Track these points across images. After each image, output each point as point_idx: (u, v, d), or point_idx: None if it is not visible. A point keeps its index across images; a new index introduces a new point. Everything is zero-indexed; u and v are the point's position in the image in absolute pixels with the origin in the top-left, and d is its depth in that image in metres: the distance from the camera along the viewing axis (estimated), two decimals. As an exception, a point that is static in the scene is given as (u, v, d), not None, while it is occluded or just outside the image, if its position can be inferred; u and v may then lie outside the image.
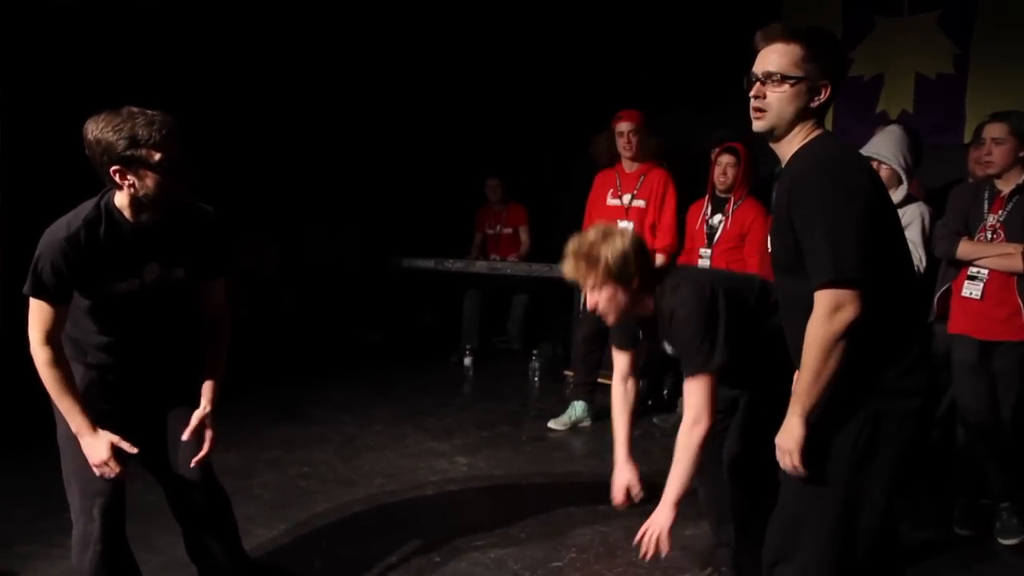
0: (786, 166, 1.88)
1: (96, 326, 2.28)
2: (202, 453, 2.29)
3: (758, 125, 1.89)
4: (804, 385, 1.77)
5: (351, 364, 5.95)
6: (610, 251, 2.29)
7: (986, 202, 3.23)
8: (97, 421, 2.20)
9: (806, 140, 1.86)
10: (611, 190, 4.56)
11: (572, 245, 2.36)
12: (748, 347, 2.37)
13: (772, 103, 1.85)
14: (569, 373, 5.29)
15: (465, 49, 6.56)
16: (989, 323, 3.17)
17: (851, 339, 1.72)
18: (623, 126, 4.44)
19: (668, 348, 2.46)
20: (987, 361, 3.20)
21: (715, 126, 4.89)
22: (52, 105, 4.48)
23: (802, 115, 1.85)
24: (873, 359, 1.78)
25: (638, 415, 2.69)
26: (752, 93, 1.87)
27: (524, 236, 6.42)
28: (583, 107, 5.82)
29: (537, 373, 5.65)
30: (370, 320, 6.77)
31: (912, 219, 3.49)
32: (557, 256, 6.49)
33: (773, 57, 1.85)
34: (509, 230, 6.49)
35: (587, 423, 4.62)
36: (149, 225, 2.20)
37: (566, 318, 5.86)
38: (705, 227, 4.39)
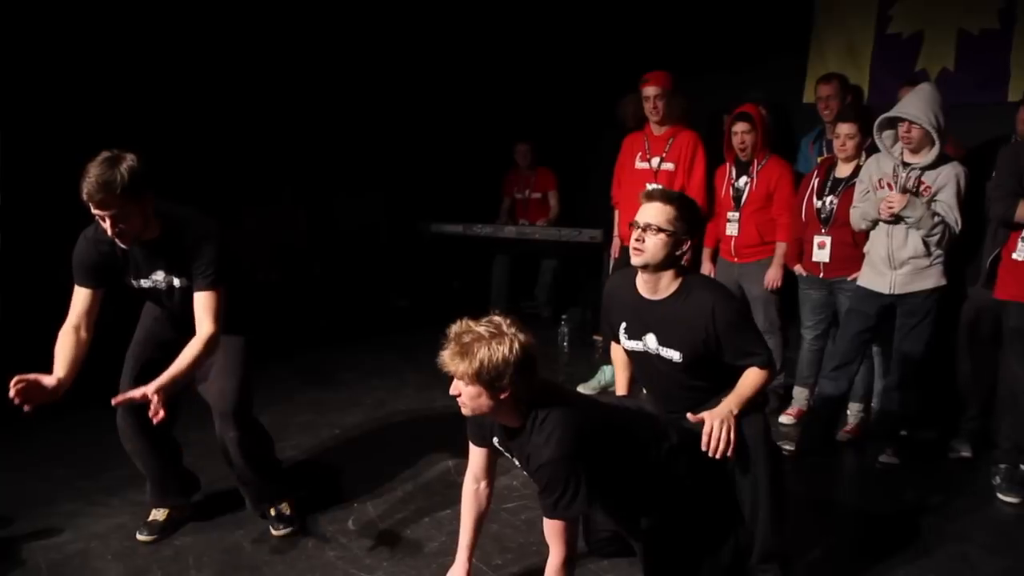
0: (686, 299, 2.48)
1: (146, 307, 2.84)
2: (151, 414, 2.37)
3: (636, 260, 2.48)
4: (743, 399, 2.42)
5: (380, 329, 6.00)
6: (488, 355, 2.08)
7: None
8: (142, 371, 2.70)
9: (682, 281, 2.50)
10: (639, 153, 4.49)
11: (456, 329, 2.16)
12: (632, 483, 2.38)
13: (649, 246, 2.44)
14: (598, 337, 5.28)
15: (496, 12, 6.48)
16: None
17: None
18: (649, 90, 4.35)
19: (518, 465, 2.37)
20: None
21: (748, 87, 4.78)
22: (52, 106, 4.47)
23: (670, 259, 2.47)
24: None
25: (485, 519, 2.56)
26: (633, 237, 2.46)
27: (553, 201, 6.38)
28: (613, 71, 5.72)
29: (566, 338, 5.66)
30: (398, 286, 6.80)
31: (947, 181, 3.40)
32: (586, 221, 6.42)
33: (653, 212, 2.46)
34: (538, 195, 6.45)
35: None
36: (145, 240, 2.54)
37: (595, 283, 5.83)
38: (731, 191, 4.31)
